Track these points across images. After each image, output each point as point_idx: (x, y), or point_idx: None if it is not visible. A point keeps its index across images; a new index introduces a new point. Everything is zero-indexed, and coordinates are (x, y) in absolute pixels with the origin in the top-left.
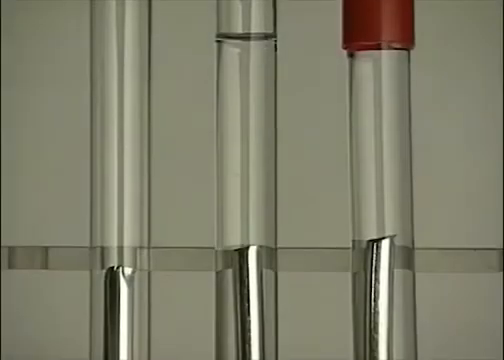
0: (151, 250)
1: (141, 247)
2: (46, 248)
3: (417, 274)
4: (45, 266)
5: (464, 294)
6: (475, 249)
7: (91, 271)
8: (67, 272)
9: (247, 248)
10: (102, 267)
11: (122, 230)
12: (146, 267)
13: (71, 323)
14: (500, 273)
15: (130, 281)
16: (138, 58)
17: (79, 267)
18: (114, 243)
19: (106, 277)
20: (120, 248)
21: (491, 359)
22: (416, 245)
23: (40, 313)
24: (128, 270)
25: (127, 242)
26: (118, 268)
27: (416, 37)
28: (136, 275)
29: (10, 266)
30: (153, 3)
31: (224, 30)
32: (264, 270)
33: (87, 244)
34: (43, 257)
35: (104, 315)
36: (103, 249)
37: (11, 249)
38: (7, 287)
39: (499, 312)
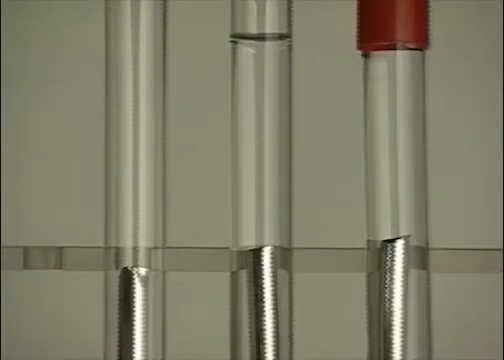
0: (166, 250)
1: (156, 247)
2: (60, 248)
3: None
4: (59, 266)
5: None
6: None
7: (106, 271)
8: (82, 273)
9: (262, 248)
10: (117, 267)
11: (137, 230)
12: (160, 267)
13: (85, 323)
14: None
15: (144, 282)
16: (153, 58)
17: (94, 267)
18: (129, 243)
19: (120, 278)
20: (135, 248)
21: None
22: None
23: (55, 313)
24: (143, 270)
25: (142, 242)
26: (132, 268)
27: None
28: (151, 275)
29: (25, 266)
30: (168, 3)
31: (239, 30)
32: (279, 270)
33: (102, 244)
34: (57, 257)
35: (118, 315)
36: (118, 249)
37: (26, 249)
38: (22, 287)
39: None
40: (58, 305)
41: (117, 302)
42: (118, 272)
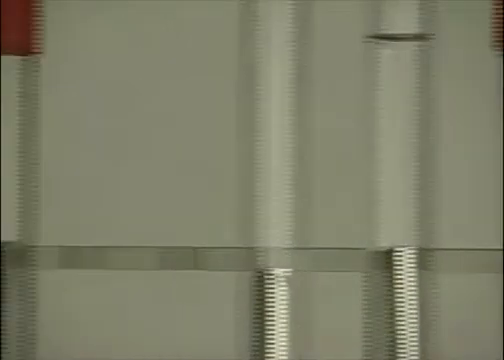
0: (302, 251)
1: (292, 248)
2: (194, 249)
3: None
4: (196, 267)
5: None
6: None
7: (240, 272)
8: (218, 273)
9: (399, 249)
10: (253, 268)
11: (275, 231)
12: (299, 268)
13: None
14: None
15: (283, 282)
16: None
17: (231, 268)
18: (265, 244)
19: (256, 278)
20: (271, 249)
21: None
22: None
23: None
24: (280, 271)
25: (278, 243)
26: (269, 269)
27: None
28: (289, 276)
29: (162, 267)
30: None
31: (379, 31)
32: (418, 271)
33: (238, 245)
34: (194, 258)
35: (253, 316)
36: (254, 250)
37: (162, 249)
38: (159, 287)
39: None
40: (191, 303)
41: (254, 303)
42: (255, 273)
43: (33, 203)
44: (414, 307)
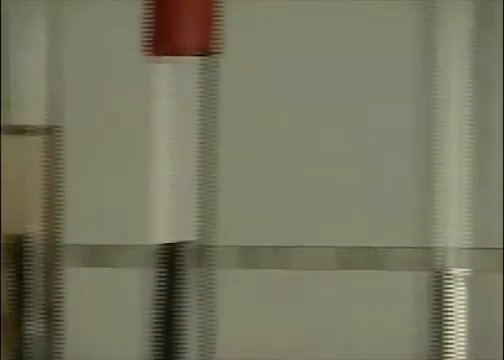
0: (482, 251)
1: (471, 248)
2: (376, 249)
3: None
4: (376, 267)
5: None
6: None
7: (421, 272)
8: (395, 273)
9: None
10: (431, 268)
11: (454, 231)
12: (476, 268)
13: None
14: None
15: (461, 282)
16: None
17: (410, 268)
18: (444, 244)
19: (435, 278)
20: (449, 249)
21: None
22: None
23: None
24: (458, 271)
25: (456, 243)
26: (447, 269)
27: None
28: (468, 276)
29: (342, 267)
30: None
31: None
32: None
33: (417, 245)
34: (374, 258)
35: (433, 316)
36: (433, 250)
37: (343, 249)
38: (339, 287)
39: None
40: (370, 303)
41: (432, 303)
42: (433, 273)
43: (212, 203)
44: None
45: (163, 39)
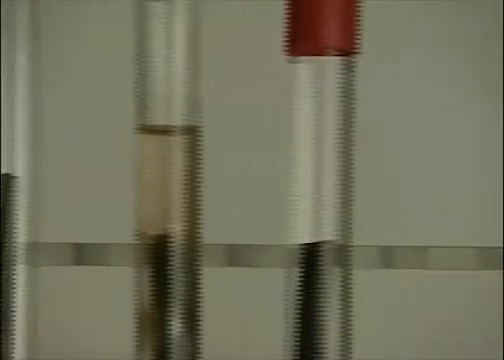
0: None
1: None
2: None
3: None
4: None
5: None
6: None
7: None
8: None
9: None
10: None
11: None
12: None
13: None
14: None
15: None
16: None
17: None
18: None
19: None
20: None
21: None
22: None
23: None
24: None
25: None
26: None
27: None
28: None
29: (482, 267)
30: None
31: None
32: None
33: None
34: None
35: None
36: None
37: (482, 249)
38: (479, 288)
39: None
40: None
41: None
42: None
43: (350, 203)
44: None
45: (304, 39)
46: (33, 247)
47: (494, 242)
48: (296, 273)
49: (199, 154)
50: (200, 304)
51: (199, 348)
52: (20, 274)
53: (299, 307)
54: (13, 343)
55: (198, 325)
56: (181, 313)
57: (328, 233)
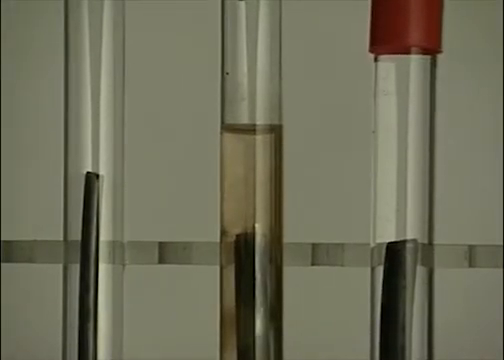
0: None
1: None
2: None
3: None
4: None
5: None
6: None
7: None
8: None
9: None
10: None
11: None
12: None
13: None
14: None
15: None
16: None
17: None
18: None
19: None
20: None
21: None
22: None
23: None
24: None
25: None
26: None
27: None
28: None
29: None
30: None
31: None
32: None
33: None
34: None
35: None
36: None
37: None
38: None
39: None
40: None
41: None
42: None
43: (432, 202)
44: None
45: (390, 37)
46: (117, 246)
47: None
48: (377, 272)
49: (282, 153)
50: (282, 303)
51: (281, 347)
52: (104, 273)
53: (384, 305)
54: (97, 343)
55: (280, 324)
56: (264, 312)
57: (412, 232)
